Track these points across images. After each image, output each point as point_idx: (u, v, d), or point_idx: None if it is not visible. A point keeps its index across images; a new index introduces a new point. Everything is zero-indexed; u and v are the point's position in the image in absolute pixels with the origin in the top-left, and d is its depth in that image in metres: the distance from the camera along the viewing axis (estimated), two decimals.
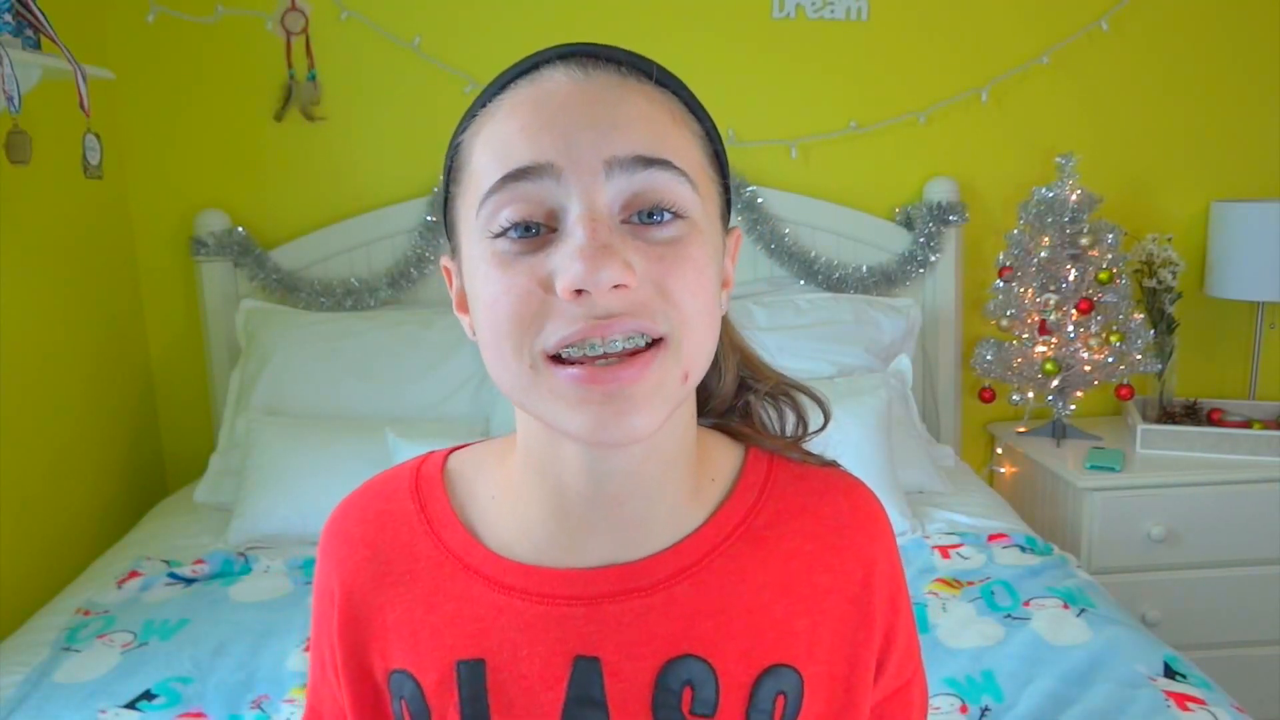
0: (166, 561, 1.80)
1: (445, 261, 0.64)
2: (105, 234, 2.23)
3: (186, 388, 2.38)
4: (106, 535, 2.06)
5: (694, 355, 0.55)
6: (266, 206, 2.33)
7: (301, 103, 2.28)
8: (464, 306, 0.61)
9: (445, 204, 0.61)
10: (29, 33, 1.66)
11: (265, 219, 2.33)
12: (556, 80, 0.55)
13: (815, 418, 0.70)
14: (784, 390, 0.69)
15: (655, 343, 0.53)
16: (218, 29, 2.24)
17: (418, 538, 0.64)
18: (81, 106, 1.70)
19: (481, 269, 0.55)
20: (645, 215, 0.53)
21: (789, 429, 0.69)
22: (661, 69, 0.58)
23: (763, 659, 0.61)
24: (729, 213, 0.62)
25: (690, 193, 0.54)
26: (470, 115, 0.58)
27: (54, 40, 1.67)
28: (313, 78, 2.27)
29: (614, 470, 0.59)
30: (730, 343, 0.68)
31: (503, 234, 0.53)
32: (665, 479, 0.61)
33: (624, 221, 0.53)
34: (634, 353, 0.52)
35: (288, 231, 2.33)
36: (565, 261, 0.51)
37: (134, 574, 1.74)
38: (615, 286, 0.50)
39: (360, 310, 2.26)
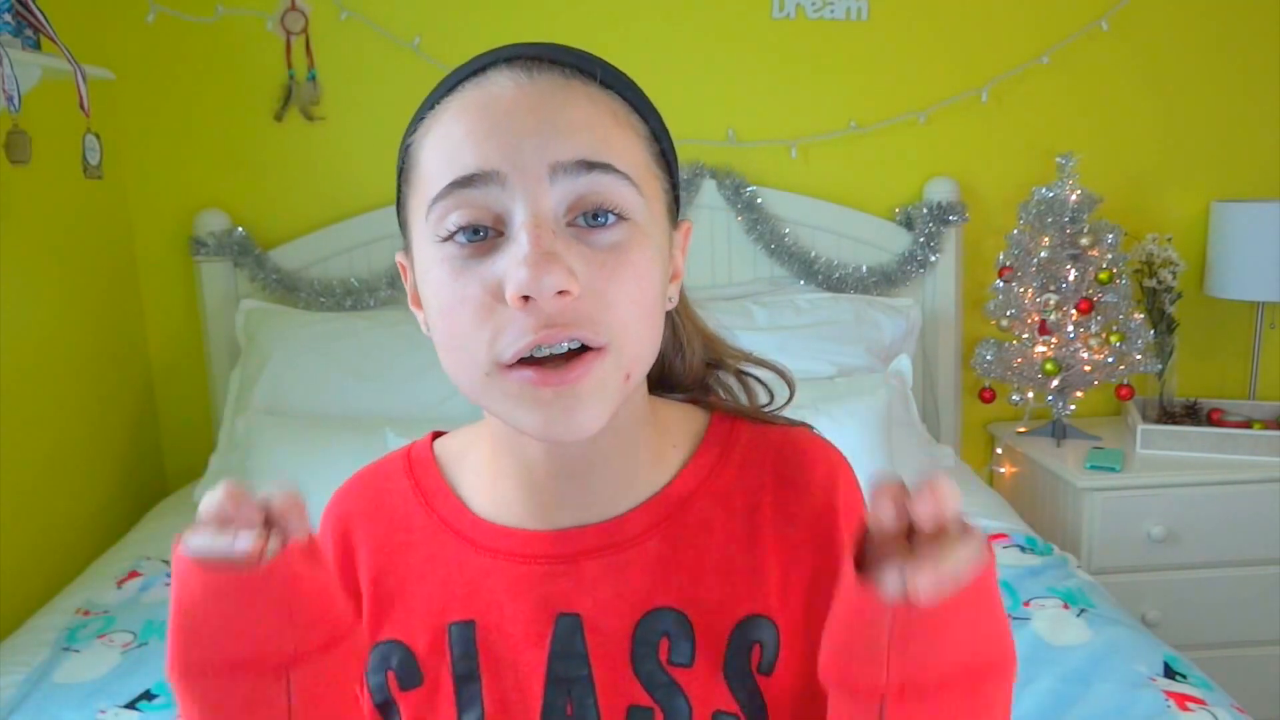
0: (166, 561, 1.80)
1: (400, 257, 0.65)
2: (105, 234, 2.23)
3: (186, 388, 2.38)
4: (106, 535, 2.06)
5: (634, 357, 0.57)
6: (266, 206, 2.33)
7: (301, 103, 2.28)
8: (419, 302, 0.62)
9: (398, 202, 0.63)
10: (29, 33, 1.66)
11: (265, 219, 2.33)
12: (501, 84, 0.56)
13: (782, 394, 0.73)
14: (748, 368, 0.72)
15: (596, 350, 0.55)
16: (218, 29, 2.23)
17: (413, 510, 0.68)
18: (81, 106, 1.70)
19: (433, 273, 0.56)
20: (590, 218, 0.55)
21: (757, 398, 0.72)
22: (606, 68, 0.59)
23: (736, 610, 0.62)
24: (678, 208, 0.64)
25: (634, 195, 0.56)
26: (419, 118, 0.60)
27: (54, 40, 1.67)
28: (313, 78, 2.27)
29: (572, 451, 0.62)
30: (693, 327, 0.71)
31: (450, 238, 0.55)
32: (624, 453, 0.63)
33: (569, 224, 0.55)
34: (578, 354, 0.54)
35: (288, 231, 2.33)
36: (511, 269, 0.53)
37: (134, 574, 1.75)
38: (559, 293, 0.52)
39: (360, 310, 2.26)
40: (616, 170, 0.55)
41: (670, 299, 0.62)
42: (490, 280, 0.54)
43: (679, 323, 0.69)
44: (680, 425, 0.68)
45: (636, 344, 0.57)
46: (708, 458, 0.66)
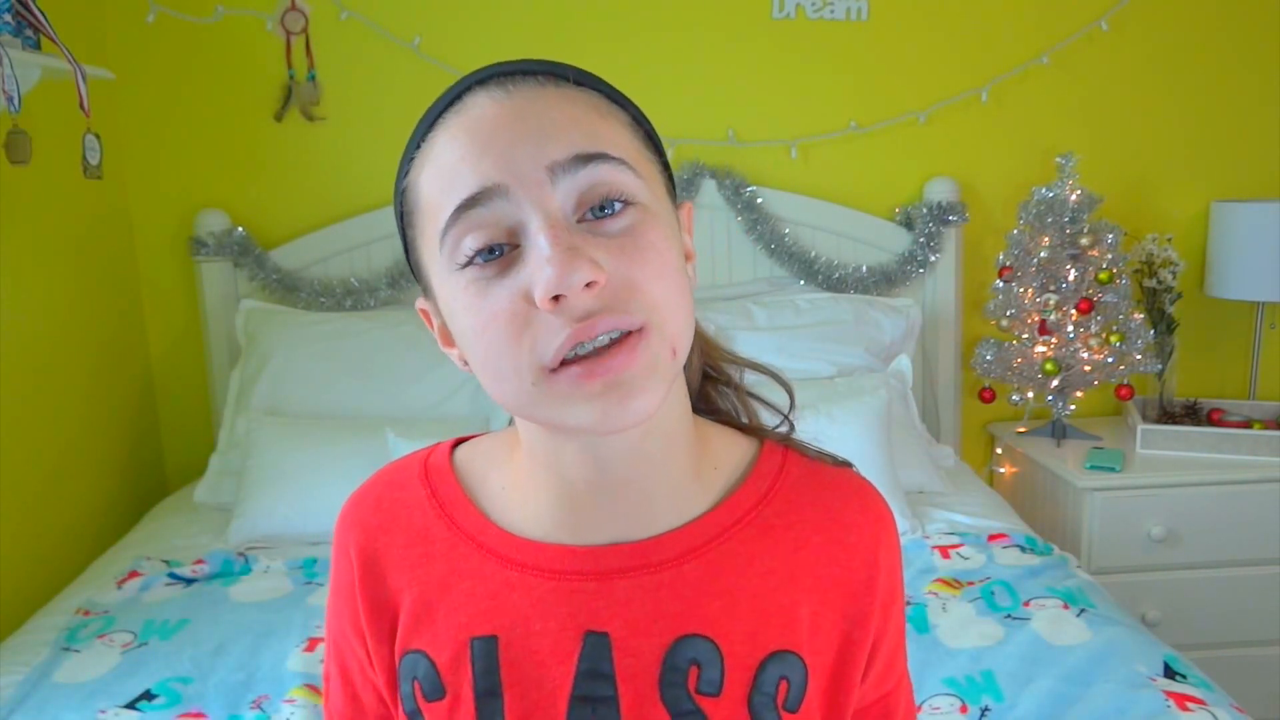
0: (166, 561, 1.80)
1: (420, 304, 0.65)
2: (105, 234, 2.23)
3: (186, 388, 2.38)
4: (106, 535, 2.06)
5: (676, 332, 0.57)
6: (266, 206, 2.33)
7: (301, 103, 2.28)
8: (449, 341, 0.62)
9: (406, 250, 0.62)
10: (29, 33, 1.66)
11: (265, 219, 2.33)
12: (481, 105, 0.56)
13: (777, 397, 0.72)
14: (747, 373, 0.71)
15: (636, 332, 0.54)
16: (218, 29, 2.24)
17: (431, 521, 0.66)
18: (81, 106, 1.70)
19: (460, 301, 0.56)
20: (598, 210, 0.55)
21: (755, 413, 0.71)
22: (577, 70, 0.59)
23: (768, 643, 0.62)
24: (674, 190, 0.64)
25: (633, 178, 0.56)
26: (408, 159, 0.60)
27: (54, 40, 1.67)
28: (312, 78, 2.27)
29: (614, 455, 0.61)
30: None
31: (469, 262, 0.55)
32: (665, 458, 0.62)
33: (580, 221, 0.55)
34: (619, 342, 0.54)
35: (288, 231, 2.33)
36: (537, 271, 0.53)
37: (134, 574, 1.75)
38: (588, 285, 0.52)
39: (360, 310, 2.26)
40: (612, 157, 0.55)
41: (691, 278, 0.62)
42: (518, 290, 0.54)
43: None
44: (723, 447, 0.67)
45: (674, 319, 0.56)
46: (757, 488, 0.65)
